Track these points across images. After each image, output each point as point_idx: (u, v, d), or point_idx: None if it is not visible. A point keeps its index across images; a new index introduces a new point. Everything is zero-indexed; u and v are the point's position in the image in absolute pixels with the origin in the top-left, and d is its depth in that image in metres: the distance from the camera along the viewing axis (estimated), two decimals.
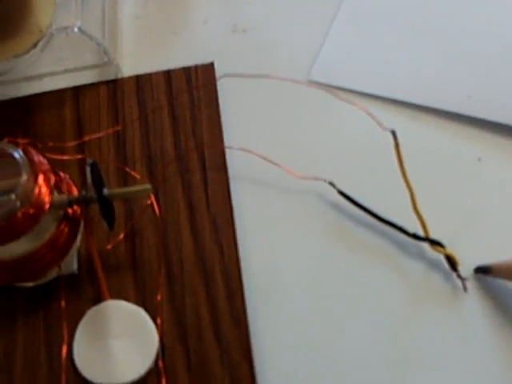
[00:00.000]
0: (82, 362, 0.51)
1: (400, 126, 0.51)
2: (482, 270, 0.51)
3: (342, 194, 0.55)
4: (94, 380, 0.50)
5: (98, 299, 0.53)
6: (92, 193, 0.49)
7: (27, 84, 0.63)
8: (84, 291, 0.53)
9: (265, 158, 0.56)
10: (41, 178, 0.48)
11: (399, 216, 0.53)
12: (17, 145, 0.48)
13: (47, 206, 0.48)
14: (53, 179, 0.49)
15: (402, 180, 0.52)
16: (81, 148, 0.59)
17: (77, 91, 0.63)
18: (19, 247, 0.49)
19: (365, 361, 0.49)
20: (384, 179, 0.54)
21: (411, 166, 0.51)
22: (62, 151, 0.58)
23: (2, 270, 0.50)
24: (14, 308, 0.54)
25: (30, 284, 0.53)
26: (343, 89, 0.60)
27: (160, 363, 0.50)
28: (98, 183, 0.49)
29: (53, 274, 0.53)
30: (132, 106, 0.61)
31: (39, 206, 0.47)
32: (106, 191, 0.49)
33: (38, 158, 0.49)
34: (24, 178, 0.46)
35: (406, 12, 0.64)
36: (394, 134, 0.52)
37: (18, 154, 0.47)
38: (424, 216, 0.52)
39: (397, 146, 0.52)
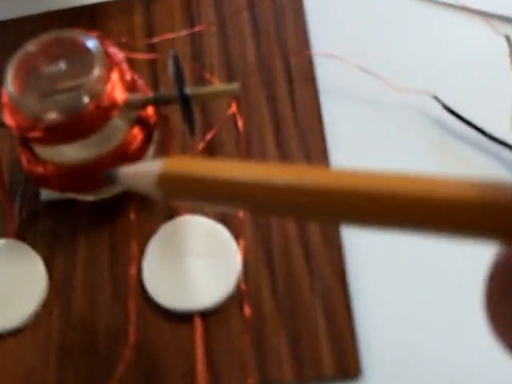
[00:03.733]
0: (152, 283, 0.45)
1: None
2: None
3: (447, 108, 0.49)
4: (167, 304, 0.44)
5: (172, 215, 0.47)
6: (172, 91, 0.44)
7: None
8: (156, 206, 0.48)
9: (359, 67, 0.51)
10: (115, 72, 0.43)
11: (507, 132, 0.47)
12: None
13: (121, 103, 0.42)
14: (128, 74, 0.44)
15: None
16: (152, 50, 0.54)
17: None
18: (85, 151, 0.44)
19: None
20: (495, 94, 0.48)
21: None
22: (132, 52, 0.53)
23: (64, 177, 0.45)
24: (74, 224, 0.48)
25: (91, 197, 0.48)
26: (447, 3, 0.54)
27: (242, 286, 0.45)
28: (180, 80, 0.44)
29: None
30: (208, 10, 0.56)
31: (111, 102, 0.42)
32: (188, 90, 0.44)
33: (112, 49, 0.44)
34: (97, 71, 0.41)
35: None
36: (508, 39, 0.46)
37: (92, 44, 0.42)
38: None
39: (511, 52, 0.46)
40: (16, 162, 0.51)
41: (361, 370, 0.41)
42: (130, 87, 0.43)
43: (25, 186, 0.50)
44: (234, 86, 0.43)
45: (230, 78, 0.52)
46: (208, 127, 0.50)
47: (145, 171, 0.28)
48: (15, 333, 0.45)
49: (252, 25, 0.54)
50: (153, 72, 0.52)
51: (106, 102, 0.41)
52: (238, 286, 0.44)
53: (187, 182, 0.27)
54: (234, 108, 0.50)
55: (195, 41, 0.54)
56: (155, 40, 0.54)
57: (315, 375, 0.41)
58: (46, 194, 0.48)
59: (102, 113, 0.41)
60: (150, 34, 0.55)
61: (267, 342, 0.42)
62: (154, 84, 0.51)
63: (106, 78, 0.41)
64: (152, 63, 0.52)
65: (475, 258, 0.43)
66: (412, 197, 0.20)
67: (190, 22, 0.55)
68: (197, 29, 0.54)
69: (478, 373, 0.40)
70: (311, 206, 0.23)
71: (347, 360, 0.41)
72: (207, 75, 0.52)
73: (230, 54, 0.53)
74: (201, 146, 0.49)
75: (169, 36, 0.54)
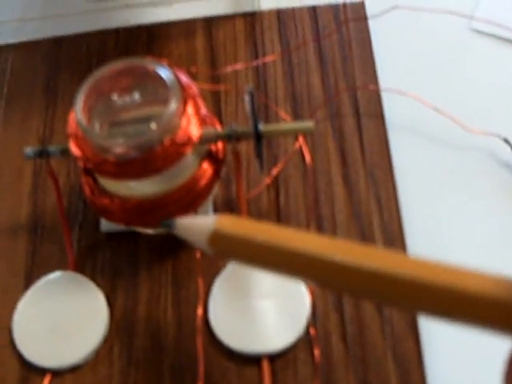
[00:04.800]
0: (219, 324, 0.44)
1: None
2: None
3: None
4: (234, 346, 0.43)
5: None
6: (245, 127, 0.43)
7: (153, 10, 0.57)
8: None
9: (427, 105, 0.50)
10: (190, 106, 0.42)
11: None
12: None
13: (196, 139, 0.42)
14: (203, 108, 0.43)
15: None
16: (215, 80, 0.53)
17: (209, 22, 0.57)
18: (154, 185, 0.43)
19: None
20: None
21: None
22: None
23: (130, 210, 0.44)
24: (136, 257, 0.48)
25: (152, 231, 0.47)
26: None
27: (311, 330, 0.44)
28: (254, 116, 0.43)
29: None
30: (273, 41, 0.55)
31: (187, 138, 0.41)
32: (262, 127, 0.43)
33: (186, 80, 0.43)
34: (174, 104, 0.40)
35: None
36: None
37: (166, 74, 0.42)
38: None
39: None
40: (73, 189, 0.50)
41: None
42: (204, 121, 0.42)
43: (83, 214, 0.49)
44: (309, 125, 0.43)
45: (294, 109, 0.51)
46: (273, 161, 0.49)
47: (199, 226, 0.29)
48: (74, 369, 0.44)
49: (318, 58, 0.53)
50: (215, 102, 0.51)
51: (181, 138, 0.40)
52: (306, 330, 0.43)
53: (239, 242, 0.27)
54: (301, 142, 0.49)
55: (259, 71, 0.53)
56: (220, 70, 0.53)
57: None
58: (106, 225, 0.48)
59: (177, 149, 0.40)
60: (212, 59, 0.54)
61: None
62: (217, 115, 0.50)
63: (181, 112, 0.40)
64: (214, 93, 0.52)
65: None
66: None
67: (254, 48, 0.54)
68: (261, 59, 0.53)
69: None
70: (367, 290, 0.23)
71: None
72: (273, 106, 0.51)
73: (296, 86, 0.52)
74: (267, 180, 0.48)
75: (232, 66, 0.53)
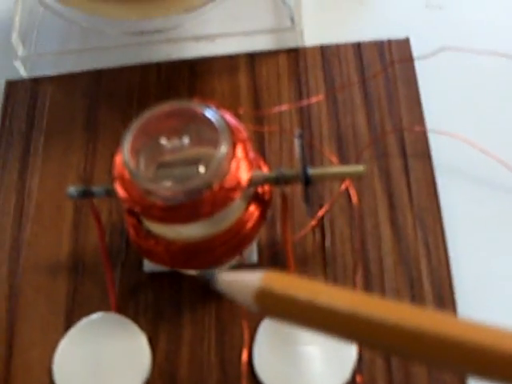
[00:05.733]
0: (264, 370, 0.44)
1: None
2: None
3: None
4: None
5: None
6: (293, 170, 0.43)
7: (196, 45, 0.58)
8: None
9: (475, 146, 0.50)
10: (239, 149, 0.42)
11: None
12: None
13: (245, 183, 0.42)
14: (251, 151, 0.43)
15: None
16: (259, 120, 0.54)
17: (252, 58, 0.57)
18: (201, 229, 0.43)
19: None
20: None
21: None
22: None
23: (176, 253, 0.44)
24: (178, 298, 0.48)
25: (194, 272, 0.48)
26: None
27: (358, 378, 0.44)
28: (304, 160, 0.43)
29: (231, 263, 0.47)
30: (317, 79, 0.55)
31: (236, 183, 0.41)
32: (311, 170, 0.43)
33: (235, 123, 0.43)
34: (223, 148, 0.41)
35: None
36: None
37: (215, 118, 0.42)
38: None
39: None
40: (115, 228, 0.50)
41: None
42: (251, 164, 0.42)
43: (125, 254, 0.49)
44: (360, 169, 0.43)
45: (340, 149, 0.51)
46: (319, 202, 0.49)
47: (244, 283, 0.29)
48: None
49: (363, 97, 0.54)
50: (259, 143, 0.52)
51: (230, 183, 0.40)
52: (353, 377, 0.43)
53: (286, 301, 0.27)
54: (347, 184, 0.49)
55: (303, 111, 0.53)
56: (264, 110, 0.53)
57: None
58: (149, 266, 0.48)
59: (226, 194, 0.40)
60: (255, 95, 0.55)
61: None
62: (261, 156, 0.51)
63: (231, 156, 0.41)
64: (259, 133, 0.52)
65: None
66: None
67: (297, 85, 0.55)
68: (305, 99, 0.53)
69: None
70: (415, 352, 0.23)
71: None
72: (319, 146, 0.51)
73: (341, 126, 0.52)
74: (313, 222, 0.48)
75: (277, 106, 0.53)
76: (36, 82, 0.59)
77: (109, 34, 0.58)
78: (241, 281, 0.30)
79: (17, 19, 0.58)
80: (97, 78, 0.59)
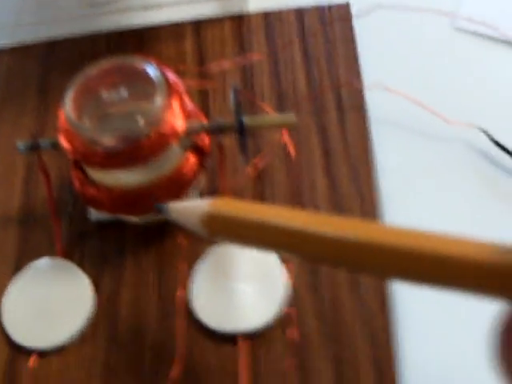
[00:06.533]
0: (200, 306, 0.47)
1: None
2: None
3: (495, 142, 0.52)
4: (213, 325, 0.46)
5: None
6: (228, 120, 0.46)
7: (144, 13, 0.61)
8: None
9: (409, 99, 0.53)
10: (176, 101, 0.45)
11: None
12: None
13: (181, 131, 0.45)
14: (188, 103, 0.47)
15: None
16: (203, 78, 0.57)
17: (198, 25, 0.60)
18: (139, 176, 0.46)
19: None
20: None
21: None
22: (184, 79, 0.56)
23: (117, 200, 0.47)
24: (122, 245, 0.50)
25: (138, 220, 0.51)
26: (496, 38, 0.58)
27: (288, 310, 0.47)
28: (239, 111, 0.46)
29: None
30: (260, 42, 0.58)
31: (172, 130, 0.44)
32: (245, 120, 0.46)
33: (172, 77, 0.46)
34: (159, 99, 0.44)
35: None
36: None
37: (153, 72, 0.45)
38: None
39: None
40: (63, 182, 0.53)
41: None
42: (188, 115, 0.46)
43: (73, 205, 0.52)
44: (291, 118, 0.46)
45: (280, 106, 0.54)
46: (258, 154, 0.52)
47: (193, 208, 0.31)
48: (60, 350, 0.47)
49: (303, 55, 0.57)
50: (203, 99, 0.55)
51: (166, 130, 0.43)
52: (283, 310, 0.46)
53: (232, 223, 0.29)
54: (285, 136, 0.52)
55: (246, 69, 0.56)
56: (207, 68, 0.56)
57: None
58: (95, 215, 0.51)
59: (163, 140, 0.43)
60: (200, 60, 0.58)
61: (310, 365, 0.44)
62: (205, 111, 0.54)
63: (167, 107, 0.44)
64: (203, 90, 0.55)
65: None
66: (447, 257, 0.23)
67: (241, 49, 0.58)
68: (248, 57, 0.57)
69: None
70: (350, 260, 0.26)
71: None
72: (258, 102, 0.54)
73: (281, 83, 0.56)
74: (251, 172, 0.51)
75: (220, 64, 0.56)
76: None
77: (61, 5, 0.61)
78: (189, 208, 0.32)
79: None
80: (50, 48, 0.62)
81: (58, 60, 0.61)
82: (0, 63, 0.62)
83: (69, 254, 0.51)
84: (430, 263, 0.24)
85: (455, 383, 0.43)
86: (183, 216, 0.33)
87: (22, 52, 0.62)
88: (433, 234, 0.25)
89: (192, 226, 0.32)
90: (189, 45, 0.59)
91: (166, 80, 0.45)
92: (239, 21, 0.60)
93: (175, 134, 0.44)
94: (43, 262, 0.50)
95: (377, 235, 0.25)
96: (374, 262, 0.25)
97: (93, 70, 0.46)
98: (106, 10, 0.60)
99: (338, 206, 0.50)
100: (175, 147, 0.46)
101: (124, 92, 0.46)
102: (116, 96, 0.46)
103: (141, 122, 0.44)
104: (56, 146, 0.48)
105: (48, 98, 0.59)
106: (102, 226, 0.51)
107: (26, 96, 0.59)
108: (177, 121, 0.45)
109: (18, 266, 0.51)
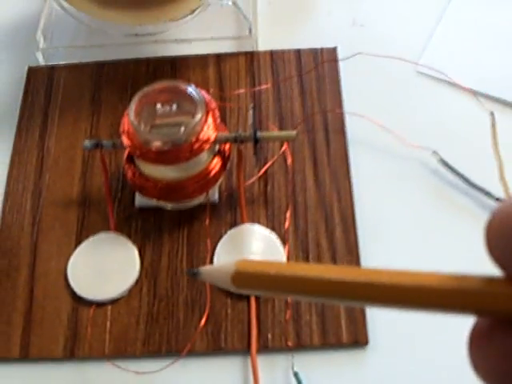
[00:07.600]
0: None
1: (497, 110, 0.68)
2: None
3: (443, 162, 0.71)
4: (231, 287, 0.64)
5: (235, 223, 0.67)
6: (247, 133, 0.64)
7: (177, 46, 0.78)
8: (224, 216, 0.67)
9: (379, 125, 0.72)
10: (210, 116, 0.63)
11: (487, 183, 0.66)
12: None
13: (213, 139, 0.62)
14: (218, 117, 0.65)
15: (493, 154, 0.67)
16: (223, 100, 0.75)
17: (219, 58, 0.78)
18: (178, 172, 0.62)
19: None
20: (481, 152, 0.69)
21: (503, 144, 0.67)
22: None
23: (160, 189, 0.64)
24: (160, 225, 0.68)
25: (172, 206, 0.67)
26: (448, 81, 0.77)
27: None
28: (255, 125, 0.65)
29: (199, 200, 0.67)
30: (267, 74, 0.76)
31: (206, 139, 0.62)
32: (259, 133, 0.64)
33: (208, 97, 0.64)
34: (199, 115, 0.60)
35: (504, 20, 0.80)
36: (492, 115, 0.68)
37: (195, 92, 0.62)
38: (509, 185, 0.67)
39: (493, 125, 0.68)
40: (113, 176, 0.71)
41: (368, 341, 0.61)
42: (217, 128, 0.64)
43: (121, 193, 0.70)
44: (293, 133, 0.64)
45: (281, 125, 0.72)
46: (264, 161, 0.71)
47: (221, 271, 0.35)
48: (113, 302, 0.64)
49: (299, 86, 0.75)
50: (222, 116, 0.70)
51: (202, 139, 0.61)
52: None
53: (256, 279, 0.33)
54: (285, 148, 0.71)
55: (255, 94, 0.75)
56: (225, 92, 0.75)
57: (335, 342, 0.61)
58: (140, 201, 0.69)
59: (199, 146, 0.60)
60: (220, 85, 0.75)
61: (302, 317, 0.62)
62: (223, 124, 0.72)
63: (204, 120, 0.62)
64: (221, 109, 0.71)
65: None
66: (411, 288, 0.28)
67: (252, 78, 0.76)
68: (257, 86, 0.75)
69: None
70: (343, 295, 0.30)
71: (359, 332, 0.62)
72: (265, 121, 0.73)
73: (282, 108, 0.73)
74: (259, 174, 0.70)
75: (235, 90, 0.75)
76: (52, 68, 0.79)
77: (110, 34, 0.77)
78: (219, 269, 0.35)
79: (42, 20, 0.79)
80: (100, 67, 0.78)
81: (107, 78, 0.77)
82: (58, 78, 0.78)
83: (119, 230, 0.68)
84: (403, 293, 0.29)
85: (415, 336, 0.62)
86: (214, 277, 0.36)
87: (76, 70, 0.79)
88: (402, 270, 0.30)
89: (222, 284, 0.35)
90: (211, 73, 0.77)
91: (204, 99, 0.61)
92: (251, 57, 0.77)
93: (208, 141, 0.61)
94: (100, 236, 0.68)
95: (364, 276, 0.30)
96: (362, 295, 0.30)
97: (150, 88, 0.62)
98: (147, 40, 0.77)
99: (321, 201, 0.68)
100: (206, 152, 0.62)
101: (172, 107, 0.62)
102: (166, 109, 0.62)
103: (182, 131, 0.60)
104: (116, 145, 0.64)
105: (100, 107, 0.75)
106: (144, 210, 0.68)
107: (82, 105, 0.76)
108: (210, 132, 0.61)
109: (79, 239, 0.68)
